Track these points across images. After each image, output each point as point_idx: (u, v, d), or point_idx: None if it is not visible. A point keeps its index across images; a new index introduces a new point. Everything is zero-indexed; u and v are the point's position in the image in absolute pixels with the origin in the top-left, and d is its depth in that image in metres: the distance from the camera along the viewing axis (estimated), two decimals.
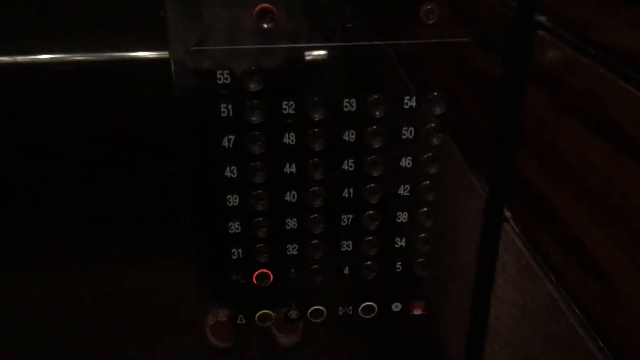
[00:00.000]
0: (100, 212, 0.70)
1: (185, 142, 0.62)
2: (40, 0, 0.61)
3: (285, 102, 0.58)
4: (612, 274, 0.44)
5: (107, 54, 0.64)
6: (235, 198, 0.62)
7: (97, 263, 0.72)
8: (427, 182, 0.63)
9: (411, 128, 0.60)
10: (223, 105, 0.58)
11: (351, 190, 0.62)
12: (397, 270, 0.67)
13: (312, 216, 0.63)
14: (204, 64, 0.58)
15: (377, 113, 0.59)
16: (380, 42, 0.58)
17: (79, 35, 0.63)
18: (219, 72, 0.57)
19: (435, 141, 0.61)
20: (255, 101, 0.58)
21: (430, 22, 0.56)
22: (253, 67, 0.57)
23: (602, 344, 0.46)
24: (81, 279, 0.73)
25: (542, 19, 0.52)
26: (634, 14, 0.40)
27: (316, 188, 0.62)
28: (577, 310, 0.50)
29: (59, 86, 0.64)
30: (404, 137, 0.60)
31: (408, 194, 0.63)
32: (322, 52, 0.59)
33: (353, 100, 0.59)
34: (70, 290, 0.74)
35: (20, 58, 0.62)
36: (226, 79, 0.57)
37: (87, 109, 0.66)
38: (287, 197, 0.62)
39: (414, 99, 0.59)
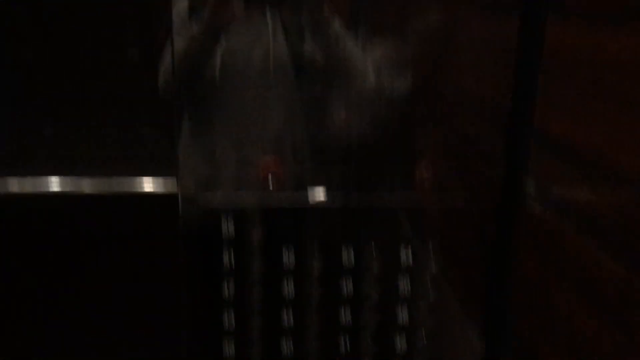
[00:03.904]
0: None
1: (188, 272, 0.63)
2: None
3: (285, 248, 0.60)
4: None
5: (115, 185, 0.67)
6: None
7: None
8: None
9: (407, 279, 0.61)
10: (225, 251, 0.59)
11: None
12: None
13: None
14: (211, 204, 0.61)
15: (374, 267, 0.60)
16: (378, 193, 0.60)
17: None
18: (223, 215, 0.59)
19: (431, 294, 0.62)
20: (256, 247, 0.60)
21: (426, 178, 0.59)
22: (256, 213, 0.59)
23: None
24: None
25: (530, 185, 0.54)
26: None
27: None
28: None
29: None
30: (400, 289, 0.61)
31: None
32: (323, 200, 0.61)
33: (351, 248, 0.60)
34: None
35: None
36: (230, 222, 0.59)
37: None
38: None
39: (410, 248, 0.61)
